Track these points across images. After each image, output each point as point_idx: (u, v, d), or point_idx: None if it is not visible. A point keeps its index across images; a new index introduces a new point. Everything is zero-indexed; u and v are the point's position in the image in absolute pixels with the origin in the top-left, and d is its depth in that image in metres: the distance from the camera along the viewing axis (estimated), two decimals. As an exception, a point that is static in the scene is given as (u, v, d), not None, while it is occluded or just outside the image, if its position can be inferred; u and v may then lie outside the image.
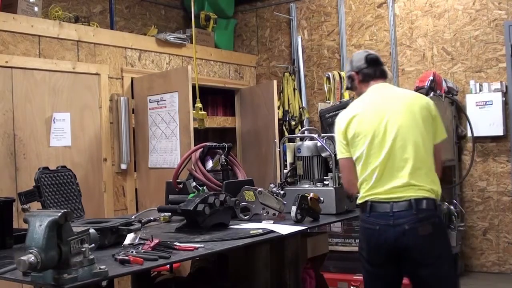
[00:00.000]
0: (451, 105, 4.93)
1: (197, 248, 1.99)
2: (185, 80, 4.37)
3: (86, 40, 4.49)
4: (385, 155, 2.33)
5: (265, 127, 5.38)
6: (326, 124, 5.02)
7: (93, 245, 1.76)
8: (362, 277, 2.51)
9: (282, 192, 2.69)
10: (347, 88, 2.69)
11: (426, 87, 4.62)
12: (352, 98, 5.10)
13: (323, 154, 2.89)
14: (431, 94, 4.62)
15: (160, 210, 2.66)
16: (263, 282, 2.18)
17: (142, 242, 2.09)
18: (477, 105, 4.85)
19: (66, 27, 4.37)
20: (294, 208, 2.49)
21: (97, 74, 4.53)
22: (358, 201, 2.42)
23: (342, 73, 5.45)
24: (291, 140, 4.27)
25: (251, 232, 2.27)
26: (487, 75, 5.00)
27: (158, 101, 4.58)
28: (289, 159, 3.05)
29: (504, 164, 4.96)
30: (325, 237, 3.43)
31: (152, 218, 2.64)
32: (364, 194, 2.36)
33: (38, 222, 1.51)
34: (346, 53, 5.67)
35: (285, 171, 3.02)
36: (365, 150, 2.37)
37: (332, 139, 3.00)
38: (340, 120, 2.50)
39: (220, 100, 5.93)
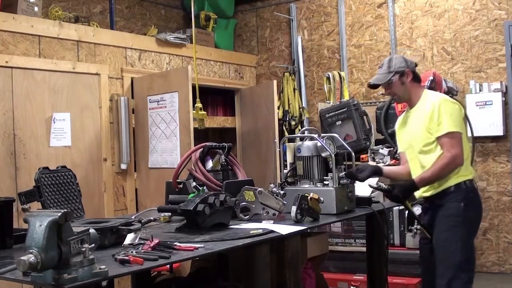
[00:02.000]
0: (451, 105, 4.92)
1: (197, 248, 1.99)
2: (185, 80, 4.37)
3: (86, 40, 4.49)
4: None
5: (265, 127, 5.38)
6: (326, 124, 5.03)
7: (93, 245, 1.76)
8: (362, 277, 2.56)
9: (282, 192, 2.69)
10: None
11: (426, 87, 4.62)
12: (352, 98, 5.12)
13: (323, 154, 2.89)
14: (431, 94, 4.63)
15: (160, 210, 2.66)
16: (263, 282, 2.18)
17: (142, 242, 2.09)
18: (477, 105, 4.85)
19: (66, 27, 4.37)
20: (294, 208, 2.49)
21: (97, 74, 4.53)
22: (467, 178, 2.76)
23: (342, 73, 5.45)
24: (291, 140, 4.27)
25: (251, 232, 2.27)
26: (487, 75, 5.00)
27: (158, 101, 4.58)
28: (289, 159, 3.05)
29: (504, 164, 4.96)
30: (325, 237, 3.43)
31: (152, 218, 2.64)
32: (471, 173, 2.81)
33: (38, 222, 1.51)
34: (346, 53, 5.67)
35: (285, 171, 3.02)
36: (467, 134, 2.85)
37: (332, 139, 3.00)
38: (458, 102, 2.87)
39: (220, 100, 5.93)
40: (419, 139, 2.82)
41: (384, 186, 2.80)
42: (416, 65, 2.92)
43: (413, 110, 2.89)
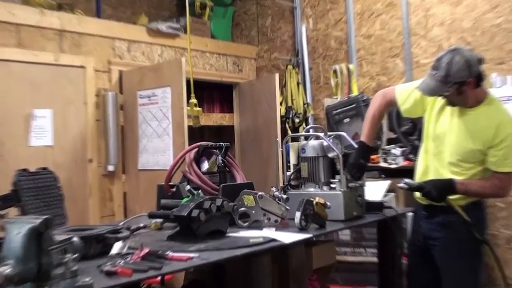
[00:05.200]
0: (471, 101, 4.92)
1: (191, 258, 1.99)
2: (178, 73, 4.37)
3: (70, 29, 4.48)
4: None
5: (266, 125, 5.37)
6: (333, 121, 5.02)
7: (77, 255, 1.75)
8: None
9: (285, 196, 2.69)
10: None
11: (443, 81, 4.61)
12: (361, 93, 5.11)
13: (330, 155, 2.89)
14: (449, 89, 4.62)
15: (151, 216, 2.66)
16: (264, 295, 2.18)
17: (130, 251, 2.08)
18: (500, 101, 4.83)
19: (48, 15, 4.36)
20: (298, 214, 2.49)
21: (82, 66, 4.52)
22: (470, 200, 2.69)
23: (351, 66, 5.44)
24: (295, 139, 4.26)
25: (251, 240, 2.26)
26: (511, 67, 4.99)
27: (149, 97, 4.58)
28: (292, 160, 3.05)
29: (529, 166, 4.94)
30: (332, 246, 3.42)
31: (142, 225, 2.64)
32: None
33: (15, 230, 1.51)
34: (355, 44, 5.66)
35: (288, 173, 3.02)
36: None
37: (339, 138, 2.99)
38: None
39: (216, 96, 5.93)
40: (461, 151, 2.64)
41: (414, 184, 2.63)
42: (482, 62, 2.59)
43: (471, 113, 2.65)
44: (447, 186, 2.60)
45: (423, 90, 2.62)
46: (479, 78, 2.58)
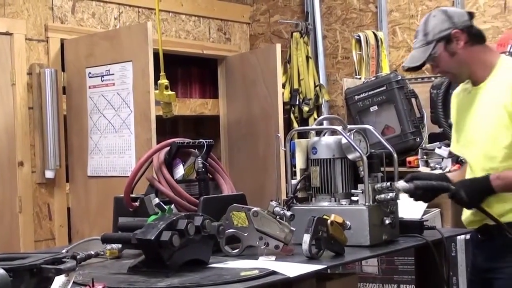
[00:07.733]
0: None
1: (160, 298, 2.01)
2: (143, 43, 4.37)
3: (-10, -18, 4.49)
4: None
5: (264, 115, 5.38)
6: (356, 110, 5.04)
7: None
8: None
9: (288, 213, 2.71)
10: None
11: (507, 53, 4.64)
12: (394, 72, 5.13)
13: (350, 156, 2.91)
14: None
15: (106, 240, 2.67)
16: None
17: (78, 288, 2.10)
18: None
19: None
20: (307, 238, 2.51)
21: (7, 33, 4.52)
22: None
23: (380, 34, 5.46)
24: (303, 134, 4.28)
25: (242, 274, 2.28)
26: None
27: (103, 76, 4.58)
28: (299, 163, 3.06)
29: None
30: (353, 281, 3.45)
31: (93, 253, 2.65)
32: None
33: None
34: (386, 4, 5.67)
35: (294, 181, 3.04)
36: None
37: (364, 133, 3.01)
38: None
39: (196, 75, 5.94)
40: (493, 136, 2.70)
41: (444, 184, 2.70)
42: (471, 17, 2.78)
43: (482, 87, 2.77)
44: (480, 184, 2.65)
45: (407, 63, 2.82)
46: (471, 33, 2.73)
